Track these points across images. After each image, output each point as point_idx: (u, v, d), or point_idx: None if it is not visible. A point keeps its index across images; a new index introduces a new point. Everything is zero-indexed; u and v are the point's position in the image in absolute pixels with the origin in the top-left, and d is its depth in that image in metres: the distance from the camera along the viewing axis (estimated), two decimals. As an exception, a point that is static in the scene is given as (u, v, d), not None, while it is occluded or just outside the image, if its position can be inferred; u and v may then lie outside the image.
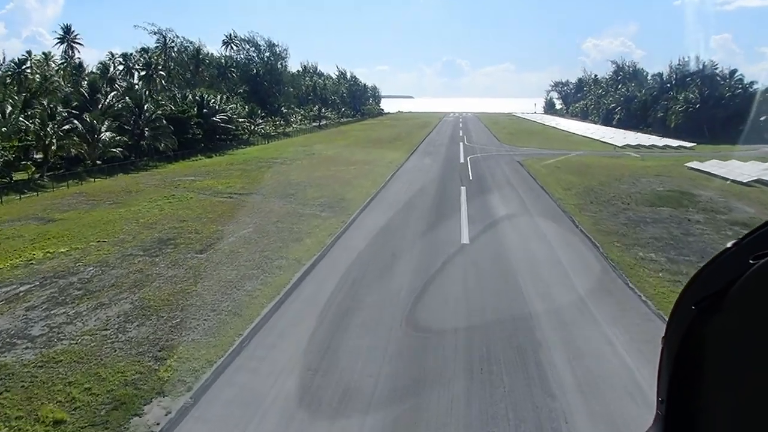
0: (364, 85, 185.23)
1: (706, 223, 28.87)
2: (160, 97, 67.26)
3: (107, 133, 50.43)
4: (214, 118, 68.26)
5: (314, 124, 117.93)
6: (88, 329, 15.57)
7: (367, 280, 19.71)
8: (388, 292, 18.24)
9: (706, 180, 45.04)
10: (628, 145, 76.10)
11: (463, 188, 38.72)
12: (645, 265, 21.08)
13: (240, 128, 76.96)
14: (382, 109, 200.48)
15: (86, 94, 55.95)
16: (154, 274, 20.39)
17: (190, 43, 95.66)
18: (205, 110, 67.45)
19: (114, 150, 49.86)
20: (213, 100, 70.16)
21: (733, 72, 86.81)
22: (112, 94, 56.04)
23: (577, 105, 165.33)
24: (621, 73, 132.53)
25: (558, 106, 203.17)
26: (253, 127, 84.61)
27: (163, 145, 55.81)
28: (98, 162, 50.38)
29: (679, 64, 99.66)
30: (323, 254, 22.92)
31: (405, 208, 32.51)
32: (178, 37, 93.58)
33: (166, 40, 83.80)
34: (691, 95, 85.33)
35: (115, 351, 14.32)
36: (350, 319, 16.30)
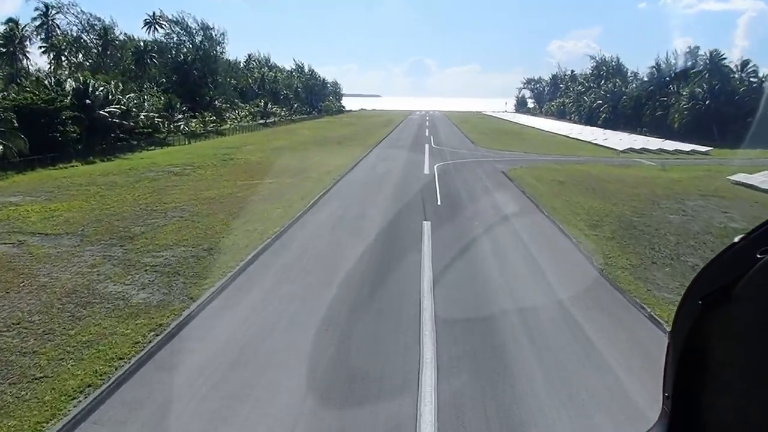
0: (323, 80, 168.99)
1: None
2: (26, 83, 50.35)
3: None
4: (101, 111, 51.45)
5: (261, 121, 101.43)
6: None
7: None
8: None
9: (779, 204, 30.98)
10: (631, 149, 62.20)
11: (426, 225, 23.42)
12: None
13: (144, 125, 60.06)
14: (343, 107, 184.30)
15: None
16: None
17: (98, 20, 78.34)
18: (88, 101, 50.67)
19: None
20: (102, 88, 53.22)
21: (746, 63, 73.66)
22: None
23: (552, 103, 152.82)
24: (604, 68, 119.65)
25: (530, 105, 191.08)
26: (169, 123, 67.93)
27: (1, 147, 39.03)
28: None
29: (679, 55, 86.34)
30: None
31: (317, 277, 17.07)
32: (83, 13, 76.36)
33: (48, 10, 65.94)
34: (698, 90, 71.81)
35: None
36: None
